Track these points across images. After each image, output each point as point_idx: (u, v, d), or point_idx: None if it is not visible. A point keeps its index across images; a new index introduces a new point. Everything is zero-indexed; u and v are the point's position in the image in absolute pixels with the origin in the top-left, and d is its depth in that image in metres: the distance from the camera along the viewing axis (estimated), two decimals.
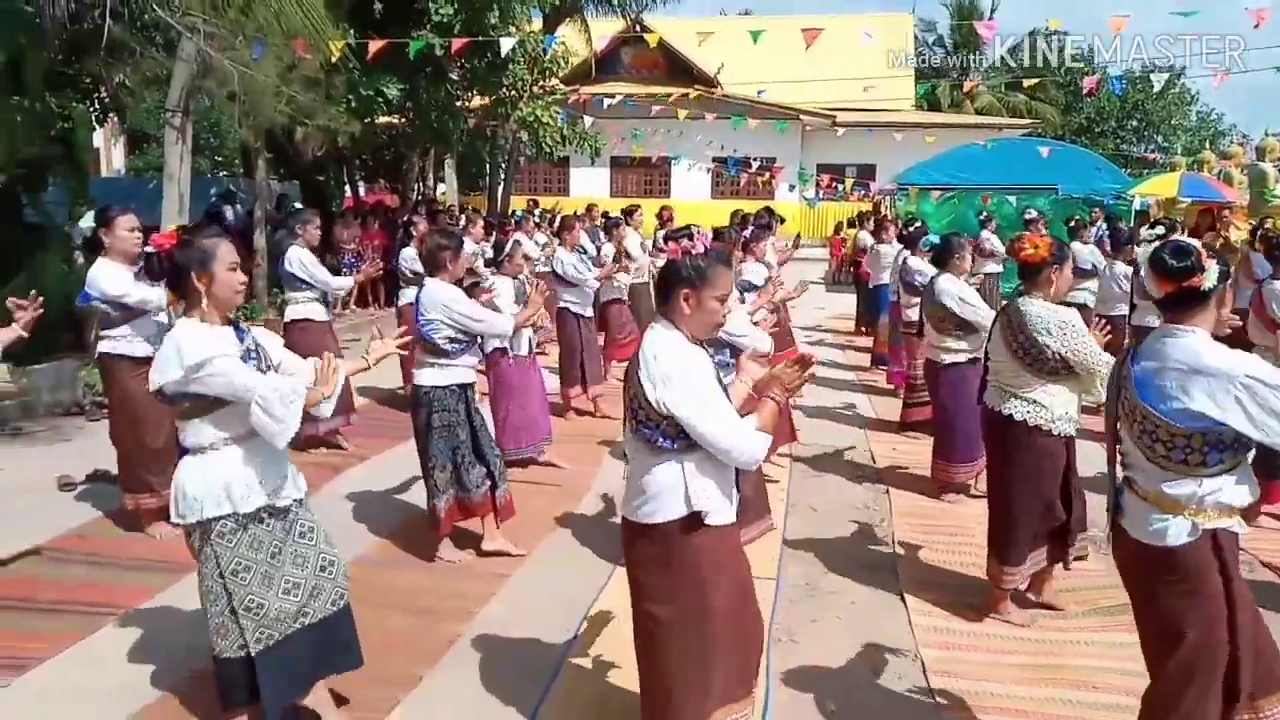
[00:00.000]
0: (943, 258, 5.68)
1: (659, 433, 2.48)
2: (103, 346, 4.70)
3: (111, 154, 26.35)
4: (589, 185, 27.59)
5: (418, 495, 5.03)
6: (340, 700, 3.13)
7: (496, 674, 3.49)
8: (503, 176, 21.41)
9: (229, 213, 14.44)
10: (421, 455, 4.51)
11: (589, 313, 7.46)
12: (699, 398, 2.42)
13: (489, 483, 4.52)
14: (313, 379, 2.83)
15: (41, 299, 3.66)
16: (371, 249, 13.23)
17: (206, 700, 3.10)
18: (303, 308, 6.31)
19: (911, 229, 7.73)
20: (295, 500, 2.91)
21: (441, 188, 22.30)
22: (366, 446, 6.45)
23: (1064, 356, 3.77)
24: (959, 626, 3.94)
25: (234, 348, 2.73)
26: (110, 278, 4.58)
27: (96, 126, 14.18)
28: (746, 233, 6.49)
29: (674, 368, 2.45)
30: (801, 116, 25.14)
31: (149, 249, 3.06)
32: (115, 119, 14.84)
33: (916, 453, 6.41)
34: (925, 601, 4.16)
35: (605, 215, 10.92)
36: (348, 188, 19.21)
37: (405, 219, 8.52)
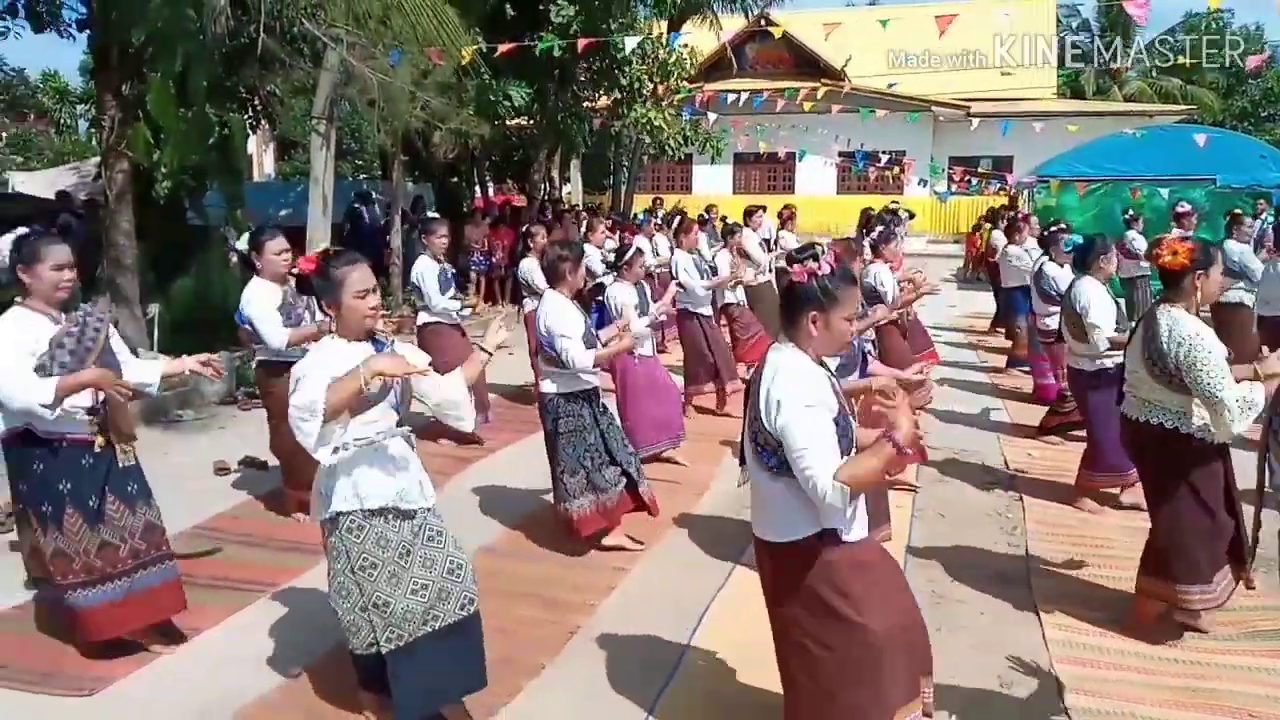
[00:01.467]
0: (1084, 260, 5.39)
1: (775, 456, 2.45)
2: (260, 354, 4.97)
3: (263, 160, 28.07)
4: (712, 183, 27.54)
5: (543, 487, 5.16)
6: (468, 717, 3.18)
7: (616, 667, 3.53)
8: (626, 175, 21.63)
9: (365, 214, 15.19)
10: (551, 461, 4.62)
11: (709, 311, 7.43)
12: (802, 430, 2.36)
13: (625, 480, 4.58)
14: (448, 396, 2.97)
15: (221, 367, 3.90)
16: (502, 248, 13.60)
17: (346, 676, 3.26)
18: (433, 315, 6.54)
19: (1051, 230, 7.30)
20: (423, 508, 3.01)
21: (567, 187, 22.72)
22: (495, 440, 6.66)
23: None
24: (1099, 643, 3.74)
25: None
26: (256, 304, 4.77)
27: (251, 134, 15.14)
28: (874, 235, 6.31)
29: (787, 394, 2.40)
30: (933, 108, 24.34)
31: (294, 271, 3.26)
32: (266, 126, 15.82)
33: (1054, 459, 6.12)
34: (1061, 615, 3.96)
35: (724, 220, 10.84)
36: (477, 188, 19.82)
37: (525, 228, 8.70)
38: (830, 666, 2.49)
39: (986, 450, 6.52)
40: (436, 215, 10.29)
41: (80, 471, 3.41)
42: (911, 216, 9.69)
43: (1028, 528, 5.04)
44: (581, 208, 18.29)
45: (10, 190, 15.98)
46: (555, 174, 20.37)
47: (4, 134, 27.73)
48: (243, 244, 4.78)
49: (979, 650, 3.68)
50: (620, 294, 5.60)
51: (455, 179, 17.21)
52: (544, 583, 4.31)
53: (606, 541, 4.67)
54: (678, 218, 8.39)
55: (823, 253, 2.49)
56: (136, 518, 3.54)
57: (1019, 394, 8.10)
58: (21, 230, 3.46)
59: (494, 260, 13.65)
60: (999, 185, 19.62)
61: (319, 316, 4.65)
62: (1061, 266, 6.76)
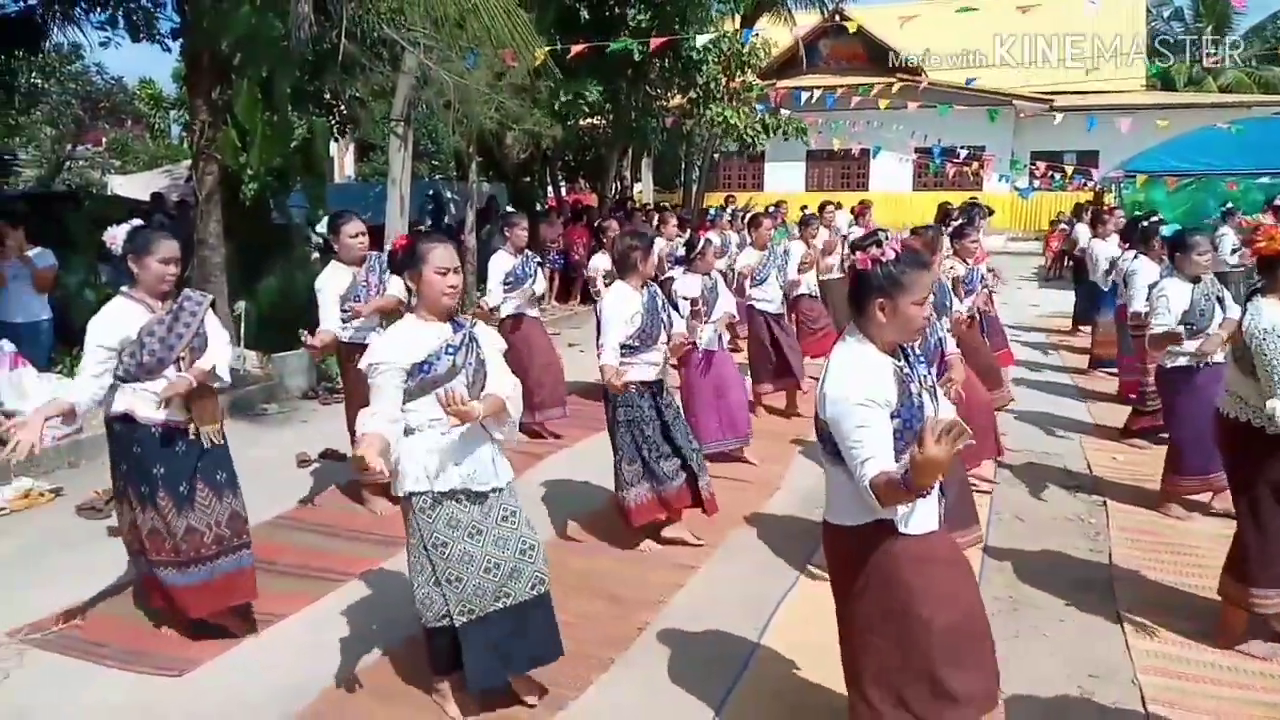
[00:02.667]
0: (1173, 255, 5.18)
1: (830, 443, 2.44)
2: (342, 335, 5.15)
3: (343, 162, 28.85)
4: (784, 180, 27.28)
5: (612, 483, 5.20)
6: (541, 690, 3.26)
7: (684, 664, 3.54)
8: (697, 173, 21.57)
9: (440, 214, 15.49)
10: (613, 449, 4.65)
11: (775, 309, 7.23)
12: (849, 426, 2.33)
13: (684, 474, 4.58)
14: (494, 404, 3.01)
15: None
16: (581, 246, 13.71)
17: (419, 662, 3.35)
18: (512, 305, 6.64)
19: (1145, 224, 6.96)
20: (495, 488, 3.07)
21: (638, 186, 22.80)
22: (568, 436, 6.72)
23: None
24: (1185, 654, 3.59)
25: (435, 342, 2.95)
26: (325, 290, 5.05)
27: (334, 139, 15.57)
28: (951, 227, 6.18)
29: (840, 389, 2.37)
30: (1015, 102, 23.67)
31: (388, 248, 3.39)
32: (347, 129, 16.24)
33: (1140, 463, 5.90)
34: (1146, 624, 3.81)
35: (803, 209, 10.67)
36: (550, 188, 20.02)
37: (599, 223, 8.76)
38: (891, 660, 2.45)
39: (1068, 453, 6.32)
40: (515, 210, 10.43)
41: (173, 457, 3.57)
42: (991, 213, 9.37)
43: (1111, 533, 4.87)
44: (652, 206, 18.31)
45: (109, 192, 16.75)
46: (627, 173, 20.46)
47: (104, 139, 29.09)
48: (323, 228, 4.99)
49: (1058, 658, 3.57)
50: (684, 286, 5.60)
51: (528, 179, 17.42)
52: (612, 578, 4.33)
53: (666, 534, 4.68)
54: (748, 214, 8.36)
55: (886, 239, 2.45)
56: (223, 506, 3.68)
57: (1102, 395, 7.83)
58: (137, 221, 3.65)
59: (572, 259, 13.79)
60: (1083, 181, 18.95)
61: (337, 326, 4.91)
62: (1160, 261, 6.47)
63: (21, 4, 11.11)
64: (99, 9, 10.57)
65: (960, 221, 6.93)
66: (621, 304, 4.47)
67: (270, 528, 4.91)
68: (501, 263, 6.54)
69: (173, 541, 3.57)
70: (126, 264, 3.53)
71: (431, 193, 16.66)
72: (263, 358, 8.10)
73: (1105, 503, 5.33)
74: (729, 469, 5.86)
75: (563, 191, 20.63)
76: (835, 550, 2.60)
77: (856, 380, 2.36)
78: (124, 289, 3.59)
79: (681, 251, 5.76)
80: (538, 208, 16.81)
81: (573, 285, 13.90)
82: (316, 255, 9.84)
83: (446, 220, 15.38)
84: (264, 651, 3.69)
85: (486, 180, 17.90)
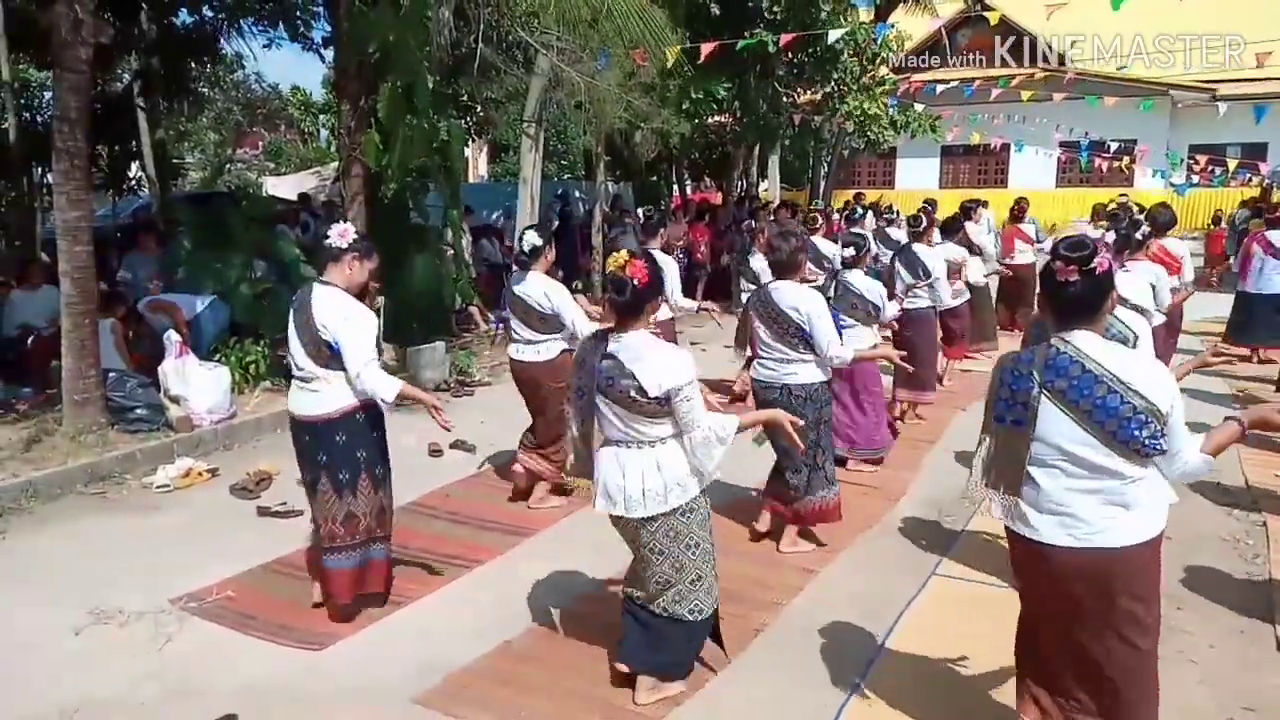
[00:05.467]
0: None
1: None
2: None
3: (477, 163, 29.81)
4: (917, 177, 26.45)
5: (738, 483, 5.19)
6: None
7: (802, 669, 3.50)
8: (826, 170, 21.19)
9: (567, 213, 15.75)
10: (814, 449, 4.50)
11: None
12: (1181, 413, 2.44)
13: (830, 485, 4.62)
14: None
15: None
16: (704, 245, 13.70)
17: (537, 649, 3.44)
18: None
19: None
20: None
21: (764, 184, 22.60)
22: None
23: None
24: None
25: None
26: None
27: (472, 140, 16.07)
28: (1140, 232, 5.72)
29: (1171, 382, 2.43)
30: (1171, 92, 22.16)
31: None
32: (482, 131, 16.75)
33: None
34: None
35: (976, 203, 10.25)
36: (675, 187, 20.08)
37: (745, 222, 8.71)
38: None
39: (1225, 467, 5.88)
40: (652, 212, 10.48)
41: (375, 442, 3.85)
42: (1175, 219, 8.72)
43: (1273, 556, 4.51)
44: (775, 203, 18.11)
45: (265, 193, 17.87)
46: (754, 171, 20.32)
47: (260, 143, 31.09)
48: (533, 238, 4.98)
49: (1208, 685, 3.34)
50: (858, 281, 5.59)
51: (654, 177, 17.55)
52: (733, 578, 4.28)
53: (784, 546, 4.64)
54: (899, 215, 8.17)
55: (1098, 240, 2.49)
56: (380, 497, 3.90)
57: (1265, 400, 7.24)
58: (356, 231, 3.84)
59: (696, 258, 13.78)
60: (1248, 176, 17.55)
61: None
62: None
63: (195, 17, 12.05)
64: (264, 21, 11.35)
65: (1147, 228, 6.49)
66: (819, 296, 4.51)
67: (403, 514, 5.13)
68: (671, 266, 6.39)
69: (367, 522, 3.82)
70: (347, 259, 3.72)
71: (560, 192, 16.97)
72: (399, 351, 8.47)
73: (1265, 522, 4.94)
74: (857, 474, 5.74)
75: (688, 190, 20.67)
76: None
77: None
78: (324, 279, 3.76)
79: (850, 253, 5.70)
80: (662, 206, 16.89)
81: (696, 284, 13.88)
82: (451, 253, 10.19)
83: (570, 219, 15.63)
84: (397, 630, 3.87)
85: (613, 179, 18.14)
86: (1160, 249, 6.43)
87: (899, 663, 3.53)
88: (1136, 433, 2.31)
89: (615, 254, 3.05)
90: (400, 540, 4.53)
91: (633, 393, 2.96)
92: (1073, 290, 2.41)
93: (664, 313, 6.50)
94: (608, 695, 3.29)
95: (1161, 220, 6.76)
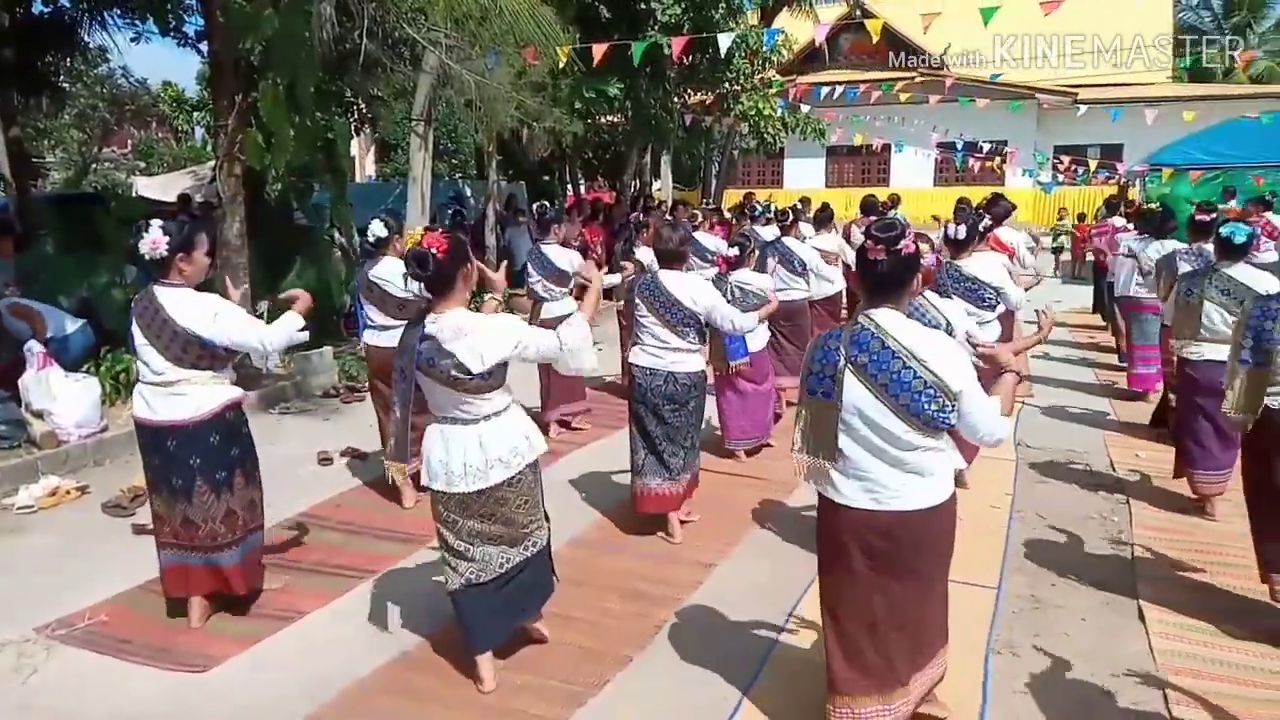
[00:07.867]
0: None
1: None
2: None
3: (364, 162, 29.01)
4: (804, 176, 27.17)
5: (629, 481, 5.21)
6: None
7: (703, 662, 3.54)
8: (717, 170, 21.52)
9: (460, 213, 15.52)
10: (693, 433, 4.72)
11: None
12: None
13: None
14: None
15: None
16: (600, 245, 13.68)
17: (437, 659, 3.37)
18: (556, 305, 6.57)
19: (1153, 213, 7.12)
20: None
21: (657, 184, 22.78)
22: (585, 434, 6.74)
23: None
24: (1209, 654, 3.56)
25: None
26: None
27: (355, 137, 15.65)
28: (982, 225, 6.09)
29: (964, 358, 2.66)
30: (1038, 95, 23.41)
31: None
32: (367, 130, 16.32)
33: (1164, 461, 5.83)
34: (1168, 624, 3.78)
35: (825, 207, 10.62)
36: (569, 186, 20.03)
37: (634, 218, 8.79)
38: None
39: (1091, 451, 6.26)
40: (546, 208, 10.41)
41: (248, 441, 3.88)
42: (1013, 208, 9.26)
43: (1134, 532, 4.82)
44: (670, 203, 18.28)
45: (135, 194, 16.95)
46: (646, 170, 20.46)
47: (129, 141, 29.45)
48: (378, 228, 5.04)
49: (1081, 658, 3.54)
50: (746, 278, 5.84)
51: (547, 177, 17.46)
52: (631, 575, 4.33)
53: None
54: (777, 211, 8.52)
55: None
56: (251, 490, 3.89)
57: (1127, 392, 7.75)
58: (157, 221, 3.59)
59: (590, 256, 13.75)
60: (1107, 175, 18.74)
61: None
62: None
63: (52, 6, 11.29)
64: (128, 10, 10.71)
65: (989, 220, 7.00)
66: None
67: (292, 525, 4.96)
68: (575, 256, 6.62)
69: (244, 516, 3.83)
70: (175, 264, 3.57)
71: (453, 194, 16.71)
72: (284, 357, 8.17)
73: (1128, 500, 5.28)
74: (744, 466, 5.86)
75: (581, 189, 20.65)
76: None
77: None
78: (164, 282, 3.59)
79: (735, 252, 5.91)
80: (556, 205, 16.82)
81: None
82: (339, 254, 9.90)
83: (467, 219, 15.40)
84: (287, 647, 3.72)
85: (506, 178, 17.96)
86: (993, 238, 6.99)
87: (796, 651, 3.61)
88: (926, 406, 2.50)
89: (411, 232, 3.17)
90: (293, 555, 4.39)
91: (454, 371, 3.01)
92: (880, 269, 2.58)
93: (561, 309, 6.52)
94: (506, 701, 3.26)
95: (996, 212, 7.41)
